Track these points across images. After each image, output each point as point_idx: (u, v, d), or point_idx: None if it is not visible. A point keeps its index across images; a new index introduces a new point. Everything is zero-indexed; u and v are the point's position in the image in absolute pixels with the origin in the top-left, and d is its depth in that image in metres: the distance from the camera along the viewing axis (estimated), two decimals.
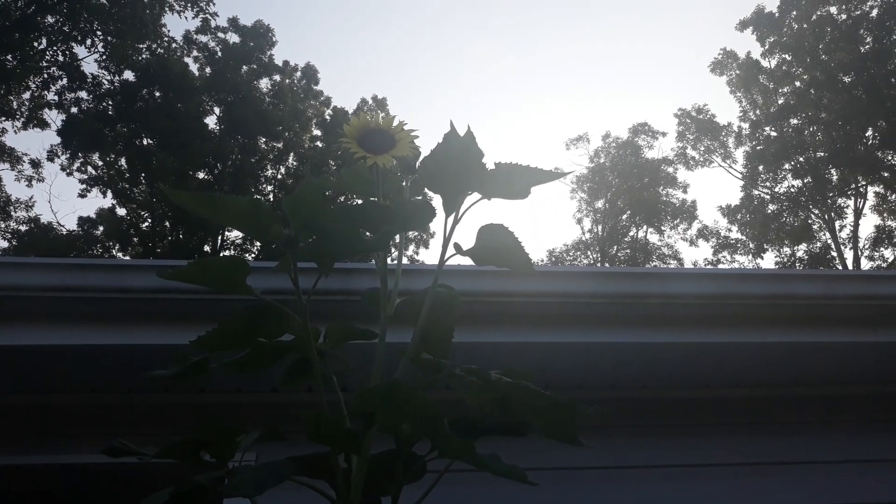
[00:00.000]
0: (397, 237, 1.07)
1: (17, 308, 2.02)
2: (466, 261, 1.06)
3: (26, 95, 18.82)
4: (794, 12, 22.61)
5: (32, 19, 17.30)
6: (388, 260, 1.06)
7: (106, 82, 19.49)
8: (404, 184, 1.12)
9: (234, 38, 21.30)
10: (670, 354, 2.25)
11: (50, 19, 17.87)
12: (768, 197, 24.11)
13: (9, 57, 17.57)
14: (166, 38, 19.75)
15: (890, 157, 21.59)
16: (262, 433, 0.99)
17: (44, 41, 18.05)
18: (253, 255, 20.00)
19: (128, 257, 20.35)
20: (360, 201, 1.05)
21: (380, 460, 0.92)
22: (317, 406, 0.95)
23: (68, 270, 2.05)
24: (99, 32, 18.30)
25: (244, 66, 21.37)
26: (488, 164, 1.01)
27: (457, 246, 1.03)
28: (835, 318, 2.26)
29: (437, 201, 1.05)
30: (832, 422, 2.46)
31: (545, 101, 43.33)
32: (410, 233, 1.13)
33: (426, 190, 1.06)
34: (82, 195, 20.33)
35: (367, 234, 1.03)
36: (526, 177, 1.02)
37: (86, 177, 20.36)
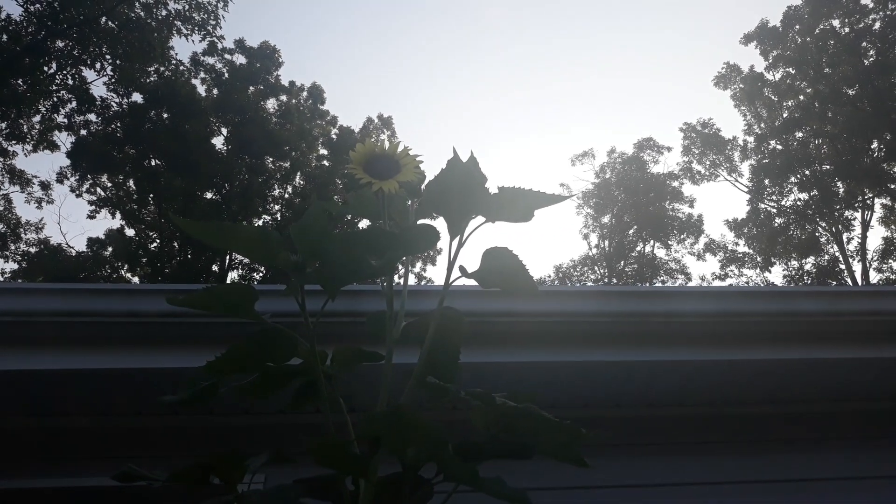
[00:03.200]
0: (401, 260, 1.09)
1: (27, 333, 2.05)
2: (472, 280, 1.08)
3: (36, 119, 19.06)
4: (798, 26, 22.70)
5: (43, 44, 17.53)
6: (395, 278, 1.08)
7: (114, 105, 19.72)
8: (409, 204, 1.14)
9: (240, 59, 21.51)
10: (674, 373, 2.25)
11: (59, 44, 18.10)
12: (775, 210, 24.08)
13: (20, 81, 17.79)
14: (174, 61, 19.98)
15: None
16: (269, 456, 1.00)
17: (53, 65, 18.28)
18: (261, 275, 20.06)
19: (136, 279, 20.43)
20: (365, 223, 1.08)
21: (387, 483, 0.93)
22: (325, 427, 0.97)
23: (77, 295, 2.07)
24: (108, 56, 18.53)
25: (251, 87, 21.55)
26: (491, 187, 1.03)
27: (462, 269, 1.05)
28: (839, 335, 2.26)
29: (441, 224, 1.07)
30: (836, 438, 2.45)
31: (550, 117, 43.50)
32: None
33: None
34: (91, 216, 20.51)
35: (373, 258, 1.05)
36: (529, 200, 1.04)
37: (94, 198, 20.54)
